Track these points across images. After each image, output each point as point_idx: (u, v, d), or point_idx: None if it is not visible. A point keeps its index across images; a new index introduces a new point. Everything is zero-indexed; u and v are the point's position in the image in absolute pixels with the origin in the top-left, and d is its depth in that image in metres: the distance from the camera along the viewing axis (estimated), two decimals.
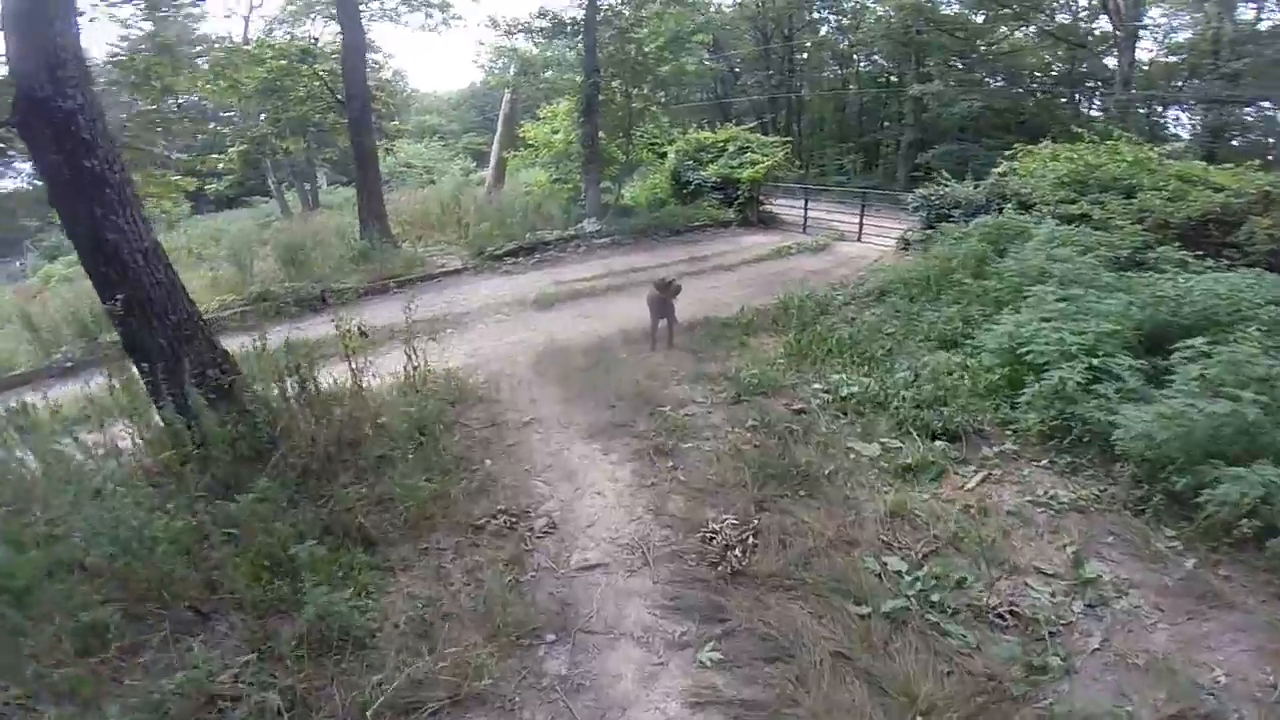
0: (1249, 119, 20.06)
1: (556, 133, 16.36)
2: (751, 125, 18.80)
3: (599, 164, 14.87)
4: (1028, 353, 5.69)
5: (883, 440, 5.21)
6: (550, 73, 15.03)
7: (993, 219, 9.63)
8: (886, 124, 29.07)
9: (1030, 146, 13.28)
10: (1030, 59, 23.24)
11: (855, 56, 29.34)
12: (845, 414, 5.68)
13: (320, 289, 10.34)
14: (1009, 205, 10.59)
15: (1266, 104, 17.90)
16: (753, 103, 28.56)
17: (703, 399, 6.14)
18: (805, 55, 28.83)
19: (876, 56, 28.26)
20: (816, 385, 6.20)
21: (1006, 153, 13.50)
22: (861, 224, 14.81)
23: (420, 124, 34.85)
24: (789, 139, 18.55)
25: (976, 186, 12.43)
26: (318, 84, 13.36)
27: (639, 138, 16.87)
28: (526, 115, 20.54)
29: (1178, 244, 8.47)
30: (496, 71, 18.82)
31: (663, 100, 16.49)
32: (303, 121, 14.15)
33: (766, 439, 5.24)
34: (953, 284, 8.50)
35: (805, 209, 15.86)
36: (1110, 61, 21.63)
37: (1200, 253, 8.17)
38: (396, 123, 20.91)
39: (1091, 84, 22.93)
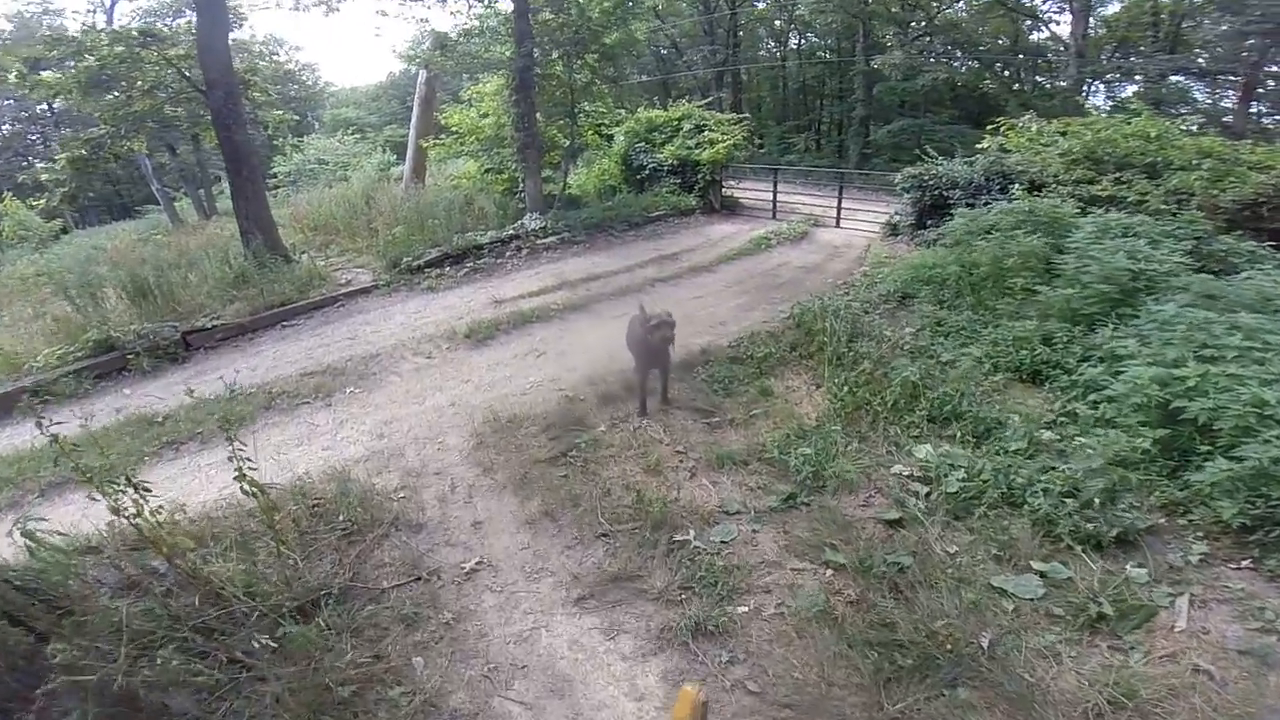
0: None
1: (486, 116, 13.81)
2: (703, 104, 16.75)
3: (538, 150, 12.49)
4: (1196, 411, 4.01)
5: (1038, 567, 3.39)
6: (475, 42, 12.38)
7: (1022, 205, 8.01)
8: (831, 100, 27.85)
9: (1014, 121, 12.02)
10: (983, 29, 22.26)
11: (796, 29, 27.84)
12: (958, 516, 3.82)
13: (181, 330, 7.61)
14: (1016, 186, 9.21)
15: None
16: (698, 79, 26.57)
17: (739, 504, 4.15)
18: (745, 29, 26.97)
19: (818, 29, 26.77)
20: (899, 467, 4.35)
21: (989, 127, 12.21)
22: (840, 208, 13.22)
23: (336, 118, 32.22)
24: (744, 116, 16.61)
25: (971, 163, 10.97)
26: (170, 71, 10.30)
27: (584, 119, 14.54)
28: (450, 98, 17.78)
29: (1231, 230, 7.28)
30: (411, 51, 15.89)
31: (611, 75, 14.10)
32: (147, 116, 11.00)
33: (864, 586, 3.31)
34: (1003, 289, 6.87)
35: (774, 192, 14.10)
36: (1061, 31, 20.96)
37: (1270, 242, 6.97)
38: (281, 113, 17.60)
39: (1045, 58, 22.23)
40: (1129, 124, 9.93)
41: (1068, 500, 3.75)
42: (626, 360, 6.16)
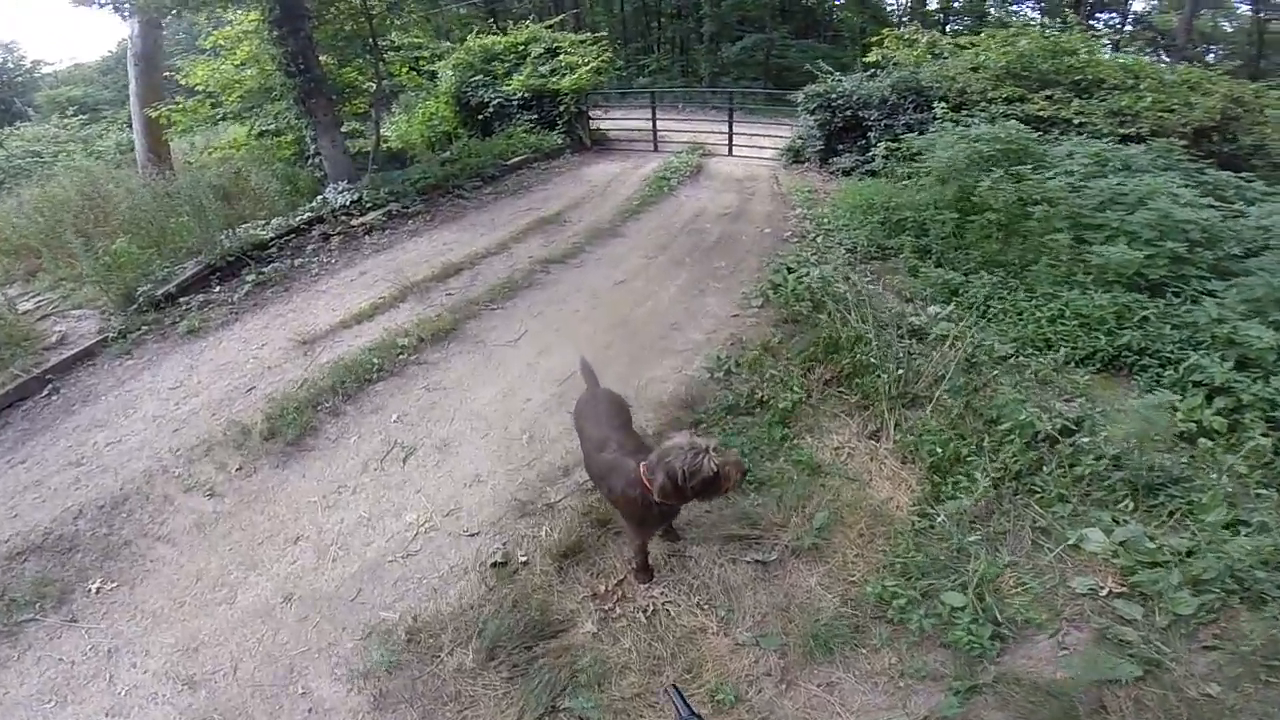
0: None
1: (244, 66, 9.59)
2: (549, 25, 13.49)
3: (327, 98, 8.72)
4: None
5: None
6: None
7: (993, 130, 6.38)
8: (670, 19, 25.51)
9: (897, 33, 10.72)
10: None
11: None
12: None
13: None
14: (940, 105, 7.86)
15: None
16: (533, 2, 22.67)
17: None
18: None
19: None
20: (1082, 580, 2.62)
21: (873, 39, 10.94)
22: (732, 135, 11.25)
23: (54, 99, 24.50)
24: (601, 35, 13.68)
25: (872, 77, 9.39)
26: None
27: (394, 55, 10.87)
28: (186, 50, 12.78)
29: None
30: None
31: None
32: None
33: None
34: (1033, 244, 5.25)
35: (654, 121, 11.72)
36: None
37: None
38: None
39: None
40: (1048, 38, 8.92)
41: None
42: (564, 443, 3.69)
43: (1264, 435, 3.23)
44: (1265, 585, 2.46)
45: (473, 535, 3.19)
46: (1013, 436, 3.33)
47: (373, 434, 3.99)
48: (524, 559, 2.99)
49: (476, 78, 11.83)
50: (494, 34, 12.96)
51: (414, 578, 2.99)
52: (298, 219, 7.51)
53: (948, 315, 4.67)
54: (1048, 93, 7.99)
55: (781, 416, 3.73)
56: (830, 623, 2.61)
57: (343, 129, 9.47)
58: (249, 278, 6.32)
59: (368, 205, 8.09)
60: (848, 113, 9.35)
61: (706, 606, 2.73)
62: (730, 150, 11.43)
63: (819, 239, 6.55)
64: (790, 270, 5.53)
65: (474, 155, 9.90)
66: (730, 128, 11.36)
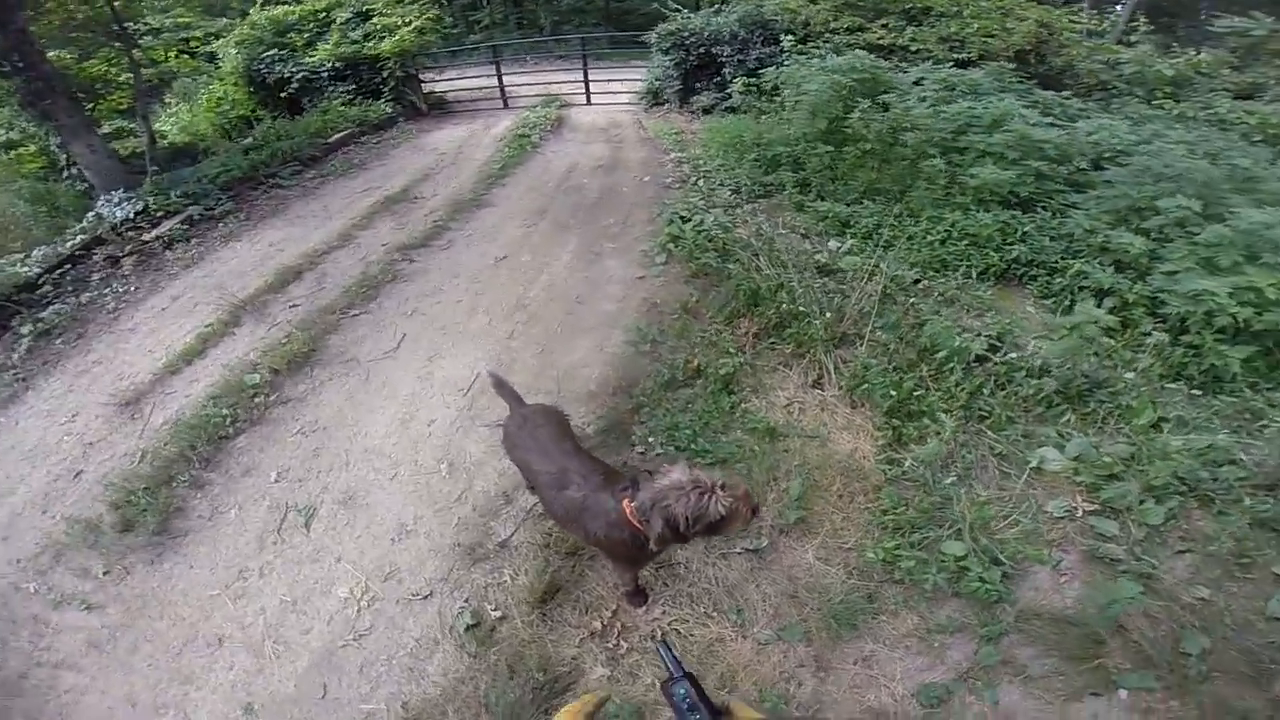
0: None
1: None
2: None
3: (65, 96, 6.79)
4: None
5: None
6: None
7: (847, 61, 6.38)
8: None
9: None
10: None
11: None
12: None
13: None
14: (787, 38, 7.95)
15: None
16: None
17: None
18: None
19: None
20: (1056, 502, 2.68)
21: None
22: (588, 83, 10.60)
23: None
24: None
25: (718, 12, 9.15)
26: None
27: (155, 38, 8.85)
28: None
29: None
30: None
31: None
32: None
33: None
34: (909, 170, 5.32)
35: (499, 76, 10.72)
36: None
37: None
38: None
39: None
40: None
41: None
42: (493, 464, 3.16)
43: (1156, 330, 3.49)
44: (1208, 484, 2.61)
45: (425, 598, 2.63)
46: (952, 364, 3.30)
47: (254, 501, 3.17)
48: (498, 614, 2.52)
49: (270, 53, 10.01)
50: (284, 3, 10.96)
51: (380, 660, 2.43)
52: (69, 245, 5.87)
53: (849, 249, 4.60)
54: (883, 21, 8.21)
55: (724, 383, 3.43)
56: (844, 598, 2.45)
57: (103, 130, 7.56)
58: (24, 330, 4.83)
59: (159, 214, 6.54)
60: (701, 50, 9.06)
61: (715, 613, 2.46)
62: (588, 99, 10.77)
63: (700, 182, 6.26)
64: (684, 219, 5.19)
65: (284, 137, 8.37)
66: (585, 76, 10.64)
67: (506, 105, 10.73)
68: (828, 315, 3.68)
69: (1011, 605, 2.33)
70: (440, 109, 10.79)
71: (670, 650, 1.13)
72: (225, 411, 3.66)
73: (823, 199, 5.55)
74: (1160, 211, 4.13)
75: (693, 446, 3.09)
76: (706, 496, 1.69)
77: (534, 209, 6.29)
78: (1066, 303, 4.02)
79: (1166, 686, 2.04)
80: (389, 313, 4.63)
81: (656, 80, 9.95)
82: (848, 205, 5.32)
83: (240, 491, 3.23)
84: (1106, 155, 5.07)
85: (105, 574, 2.87)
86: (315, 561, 2.83)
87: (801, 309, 3.71)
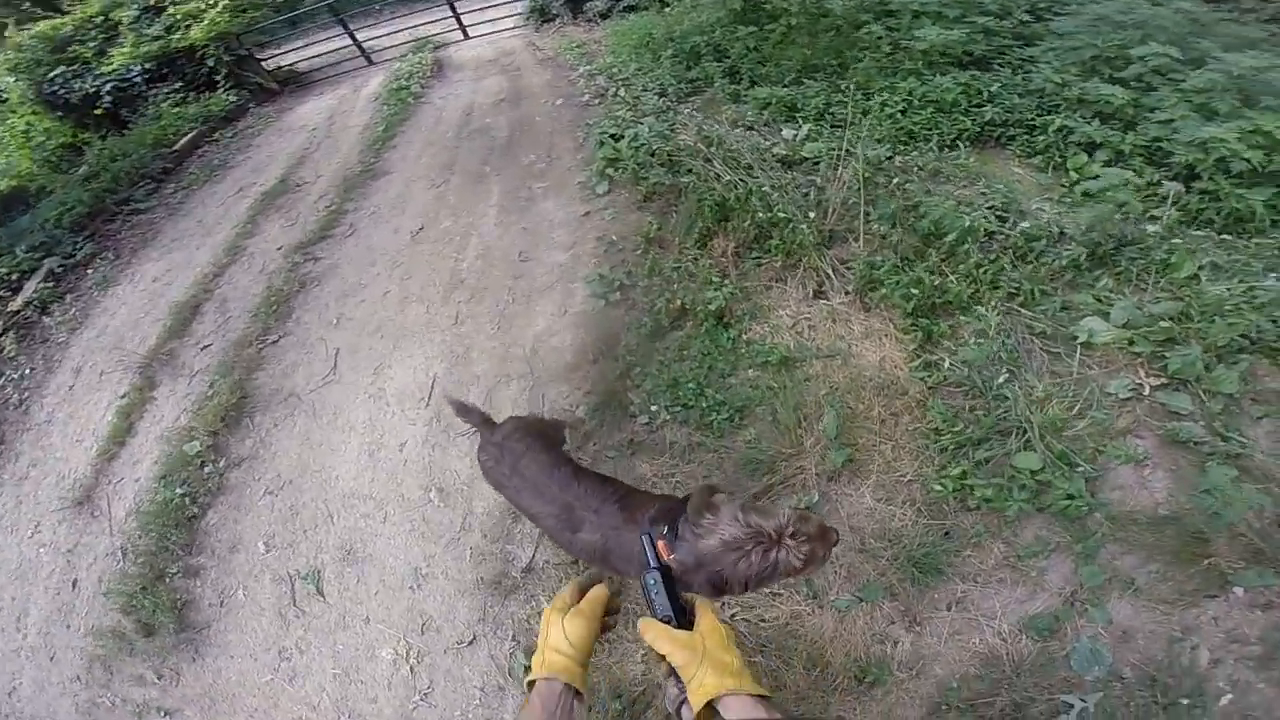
0: None
1: None
2: None
3: None
4: None
5: None
6: None
7: None
8: None
9: None
10: None
11: None
12: None
13: None
14: None
15: None
16: None
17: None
18: None
19: None
20: (1118, 382, 2.38)
21: None
22: (458, 17, 9.37)
23: None
24: None
25: None
26: None
27: None
28: None
29: None
30: None
31: None
32: None
33: None
34: (845, 41, 4.75)
35: (350, 34, 9.36)
36: None
37: None
38: None
39: None
40: None
41: None
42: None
43: (1166, 179, 3.20)
44: (1268, 333, 2.34)
45: (470, 644, 2.29)
46: (965, 245, 2.88)
47: (255, 578, 2.70)
48: None
49: (57, 72, 8.40)
50: (45, 17, 9.15)
51: (456, 714, 2.16)
52: None
53: (806, 134, 4.06)
54: None
55: (717, 317, 2.96)
56: (920, 541, 2.11)
57: None
58: None
59: (13, 277, 5.46)
60: None
61: (782, 589, 2.12)
62: (465, 34, 9.52)
63: (620, 92, 5.51)
64: (615, 137, 4.52)
65: (121, 156, 7.07)
66: (454, 8, 9.33)
67: (371, 62, 9.40)
68: (811, 215, 3.20)
69: (1103, 514, 2.04)
70: (295, 83, 9.37)
71: (652, 545, 1.19)
72: (180, 491, 3.08)
73: (757, 84, 4.93)
74: (1135, 60, 3.84)
75: (701, 402, 2.65)
76: (774, 552, 1.23)
77: (438, 165, 5.46)
78: (1057, 159, 3.68)
79: None
80: (311, 328, 3.92)
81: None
82: (785, 88, 4.73)
83: (236, 571, 2.75)
84: (1042, 5, 4.82)
85: (160, 679, 2.51)
86: (345, 628, 2.45)
87: (781, 213, 3.20)
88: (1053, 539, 2.05)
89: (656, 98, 5.19)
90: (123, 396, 3.85)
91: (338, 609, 2.51)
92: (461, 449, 2.85)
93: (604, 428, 2.66)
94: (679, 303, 3.09)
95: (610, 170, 4.25)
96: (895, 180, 3.44)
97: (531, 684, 0.96)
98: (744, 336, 2.90)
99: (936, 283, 2.77)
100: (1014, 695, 1.76)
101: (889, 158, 3.77)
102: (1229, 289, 2.51)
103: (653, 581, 1.10)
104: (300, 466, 3.07)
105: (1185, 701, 1.64)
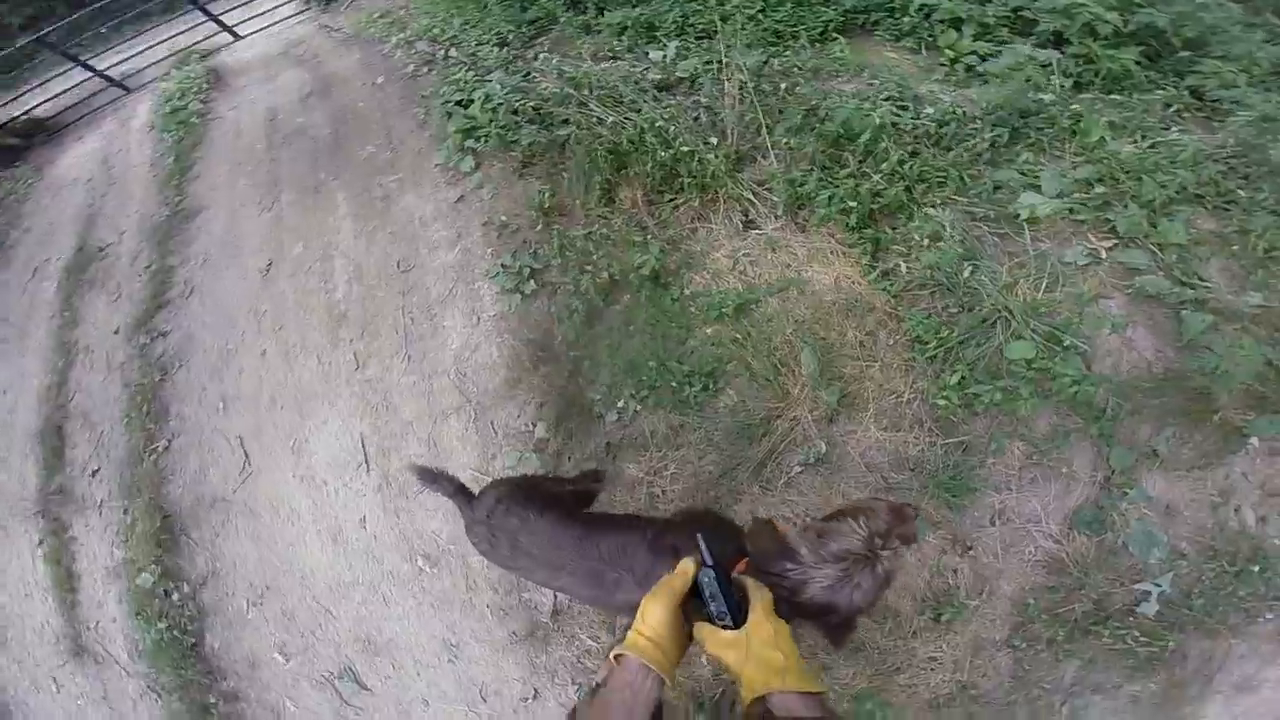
0: None
1: None
2: None
3: None
4: None
5: None
6: None
7: None
8: None
9: None
10: None
11: None
12: None
13: None
14: None
15: None
16: None
17: None
18: None
19: None
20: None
21: None
22: (216, 18, 7.87)
23: None
24: None
25: None
26: None
27: None
28: None
29: None
30: None
31: None
32: None
33: None
34: None
35: (86, 66, 7.66)
36: None
37: None
38: None
39: None
40: None
41: None
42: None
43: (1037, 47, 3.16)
44: (1189, 183, 2.37)
45: (535, 698, 2.18)
46: (882, 142, 2.70)
47: (294, 689, 2.51)
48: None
49: None
50: None
51: None
52: None
53: (675, 52, 3.69)
54: None
55: (652, 280, 2.64)
56: (942, 464, 1.99)
57: None
58: None
59: None
60: None
61: None
62: (234, 35, 8.01)
63: (451, 52, 4.81)
64: (463, 104, 3.93)
65: None
66: (206, 10, 7.77)
67: (129, 90, 7.75)
68: (712, 140, 2.90)
69: (1108, 390, 1.99)
70: (42, 131, 7.59)
71: (704, 543, 1.07)
72: (162, 625, 2.73)
73: (606, 9, 4.44)
74: None
75: (668, 379, 2.37)
76: (877, 567, 1.06)
77: (259, 184, 4.58)
78: (927, 39, 3.56)
79: None
80: (197, 421, 3.25)
81: None
82: (636, 7, 4.29)
83: (271, 686, 2.54)
84: None
85: None
86: (409, 715, 2.33)
87: (683, 146, 2.88)
88: (1067, 426, 2.01)
89: (497, 49, 4.57)
90: (40, 544, 3.20)
91: (391, 699, 2.36)
92: (428, 506, 2.50)
93: (573, 439, 2.33)
94: (605, 275, 2.73)
95: (470, 142, 3.69)
96: (784, 86, 3.19)
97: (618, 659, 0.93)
98: (687, 292, 2.62)
99: (871, 188, 2.58)
100: (1090, 594, 1.70)
101: (765, 62, 3.50)
102: (1138, 147, 2.53)
103: (708, 580, 1.02)
104: (268, 570, 2.75)
105: (1255, 569, 1.65)
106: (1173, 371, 2.00)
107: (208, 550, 2.87)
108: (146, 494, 3.07)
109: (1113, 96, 2.99)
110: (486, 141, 3.63)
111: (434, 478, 1.74)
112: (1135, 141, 2.61)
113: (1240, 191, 2.36)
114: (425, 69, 4.92)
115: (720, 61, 3.24)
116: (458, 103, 3.97)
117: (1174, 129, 2.68)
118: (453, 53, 4.77)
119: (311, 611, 2.59)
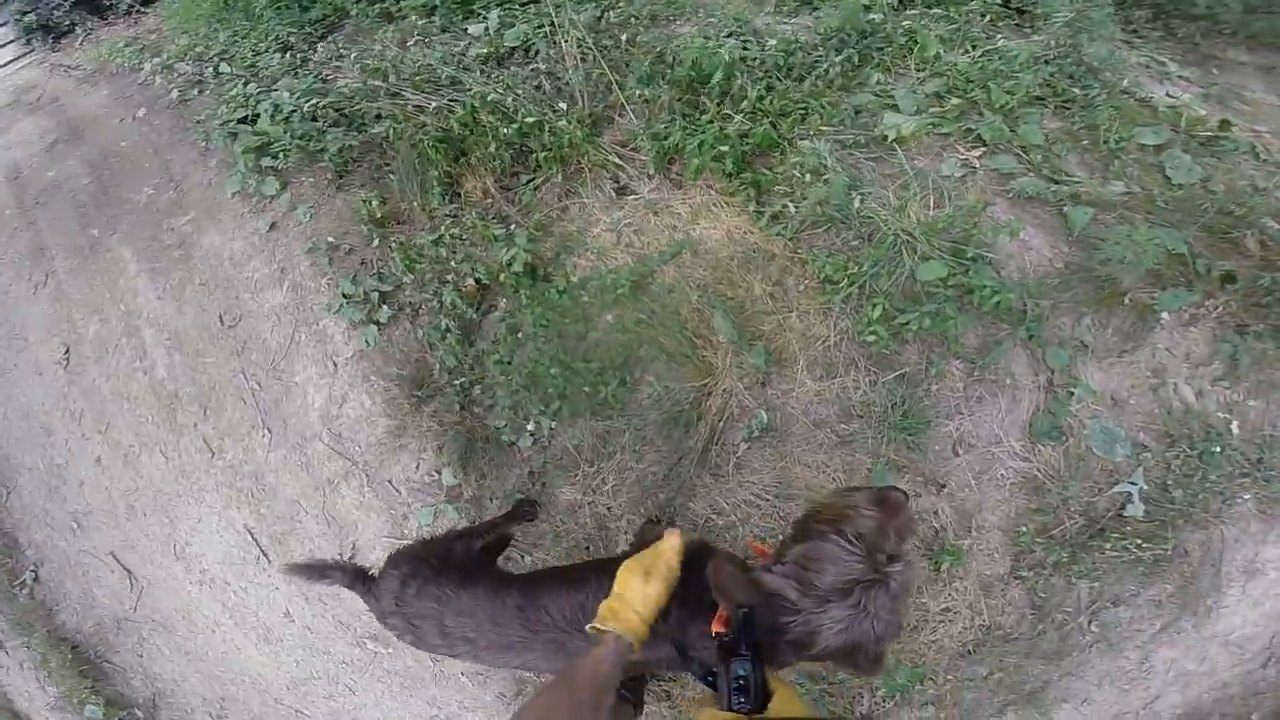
0: None
1: None
2: None
3: None
4: None
5: None
6: None
7: None
8: None
9: None
10: None
11: None
12: None
13: None
14: None
15: None
16: None
17: None
18: None
19: None
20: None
21: None
22: None
23: None
24: None
25: None
26: None
27: None
28: None
29: None
30: None
31: None
32: None
33: None
34: None
35: None
36: None
37: None
38: None
39: None
40: None
41: None
42: None
43: None
44: (1030, 85, 2.40)
45: None
46: (737, 80, 2.50)
47: None
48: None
49: None
50: None
51: None
52: None
53: (499, 21, 3.28)
54: None
55: (529, 275, 2.27)
56: (888, 403, 1.86)
57: None
58: None
59: None
60: None
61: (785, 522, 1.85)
62: None
63: (224, 68, 4.05)
64: (249, 120, 3.29)
65: None
66: None
67: None
68: (561, 106, 2.57)
69: (1020, 295, 1.95)
70: None
71: (748, 625, 0.87)
72: None
73: None
74: None
75: (577, 382, 2.04)
76: (890, 583, 0.86)
77: (22, 256, 3.61)
78: None
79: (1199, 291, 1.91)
80: (56, 547, 2.67)
81: (26, 7, 6.06)
82: None
83: None
84: None
85: None
86: None
87: (527, 118, 2.52)
88: (997, 335, 1.94)
89: (280, 55, 3.88)
90: None
91: None
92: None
93: (488, 478, 1.95)
94: (471, 281, 2.33)
95: (266, 161, 3.06)
96: (624, 37, 2.92)
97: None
98: (574, 280, 2.29)
99: (737, 130, 2.38)
100: (1075, 508, 1.64)
101: (600, 17, 3.21)
102: (971, 57, 2.55)
103: (743, 672, 0.84)
104: (213, 683, 2.48)
105: (1215, 450, 1.65)
106: (1073, 264, 2.01)
107: (139, 673, 2.58)
108: (41, 627, 2.68)
109: (934, 10, 3.02)
110: (286, 157, 3.03)
111: (320, 572, 1.40)
112: (968, 51, 2.64)
113: (1075, 90, 2.44)
114: (194, 91, 4.10)
115: (552, 23, 2.90)
116: (241, 120, 3.31)
117: (998, 37, 2.74)
118: (224, 68, 4.00)
119: (281, 714, 2.34)
